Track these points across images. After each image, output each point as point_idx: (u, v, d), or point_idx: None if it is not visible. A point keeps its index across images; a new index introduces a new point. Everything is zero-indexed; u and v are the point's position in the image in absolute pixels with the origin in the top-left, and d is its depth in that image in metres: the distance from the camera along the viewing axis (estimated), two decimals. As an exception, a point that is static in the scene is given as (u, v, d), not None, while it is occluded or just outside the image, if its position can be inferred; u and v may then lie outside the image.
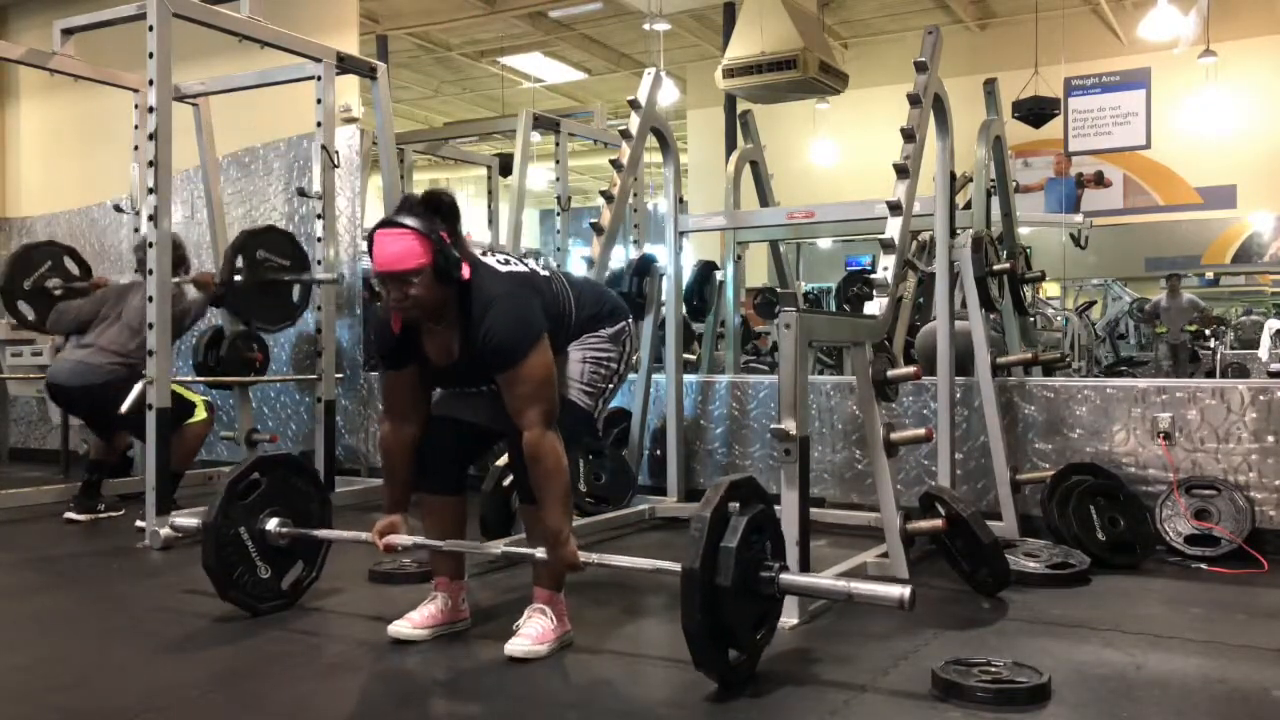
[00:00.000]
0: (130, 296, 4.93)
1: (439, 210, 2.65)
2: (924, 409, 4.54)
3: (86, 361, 4.78)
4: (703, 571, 2.37)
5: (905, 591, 2.42)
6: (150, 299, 4.32)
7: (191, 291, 5.04)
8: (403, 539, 2.91)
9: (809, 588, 2.68)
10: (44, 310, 5.44)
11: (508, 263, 2.83)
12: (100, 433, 5.04)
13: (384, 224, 2.64)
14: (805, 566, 3.04)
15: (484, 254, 2.82)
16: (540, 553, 2.74)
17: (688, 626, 2.38)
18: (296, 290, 5.39)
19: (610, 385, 2.97)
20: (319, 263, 5.37)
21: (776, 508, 2.74)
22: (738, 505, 2.51)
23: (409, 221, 2.61)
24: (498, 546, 2.99)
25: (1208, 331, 10.42)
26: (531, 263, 2.95)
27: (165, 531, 4.16)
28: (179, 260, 4.92)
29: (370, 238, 2.66)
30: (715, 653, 2.42)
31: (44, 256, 5.63)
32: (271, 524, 3.12)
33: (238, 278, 5.05)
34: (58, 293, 5.49)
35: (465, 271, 2.66)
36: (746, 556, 2.45)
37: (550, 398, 2.69)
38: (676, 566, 2.42)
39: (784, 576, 2.53)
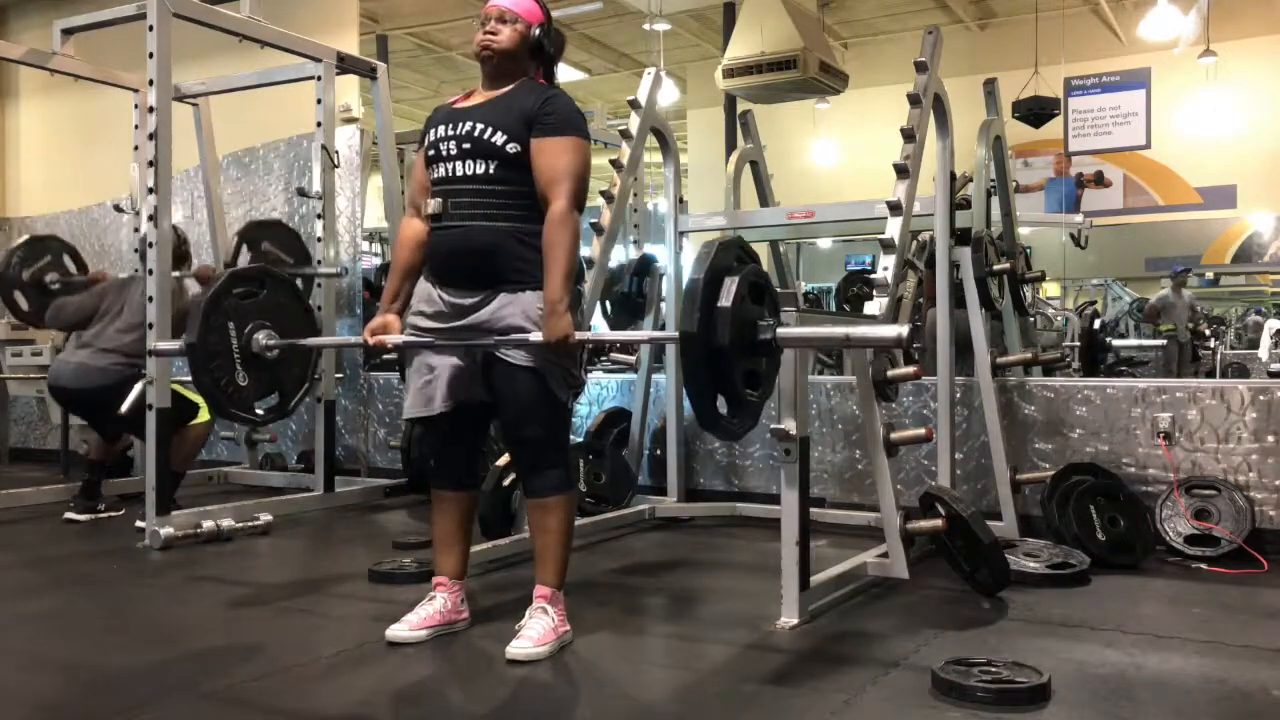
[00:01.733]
0: (130, 291, 4.91)
1: (556, 42, 2.93)
2: (924, 409, 4.54)
3: (88, 363, 4.76)
4: (707, 285, 2.45)
5: (903, 330, 2.45)
6: (150, 298, 4.32)
7: (194, 286, 5.00)
8: (393, 338, 2.90)
9: (807, 336, 2.75)
10: (38, 303, 5.41)
11: None
12: (102, 432, 5.03)
13: None
14: (805, 567, 3.04)
15: None
16: (536, 336, 2.72)
17: (685, 333, 2.46)
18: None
19: (581, 367, 3.00)
20: (319, 262, 5.38)
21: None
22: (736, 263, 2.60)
23: None
24: (490, 339, 2.80)
25: (1207, 331, 10.42)
26: None
27: (166, 531, 4.16)
28: (182, 256, 4.90)
29: None
30: (708, 380, 2.51)
31: (46, 251, 5.61)
32: (260, 335, 3.13)
33: (242, 263, 5.02)
34: (55, 287, 5.47)
35: (541, 74, 2.90)
36: (744, 307, 2.52)
37: (585, 184, 2.80)
38: (674, 334, 2.49)
39: (781, 329, 2.59)
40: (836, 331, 2.61)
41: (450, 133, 2.84)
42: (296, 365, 3.28)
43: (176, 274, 4.66)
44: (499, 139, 2.77)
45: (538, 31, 2.86)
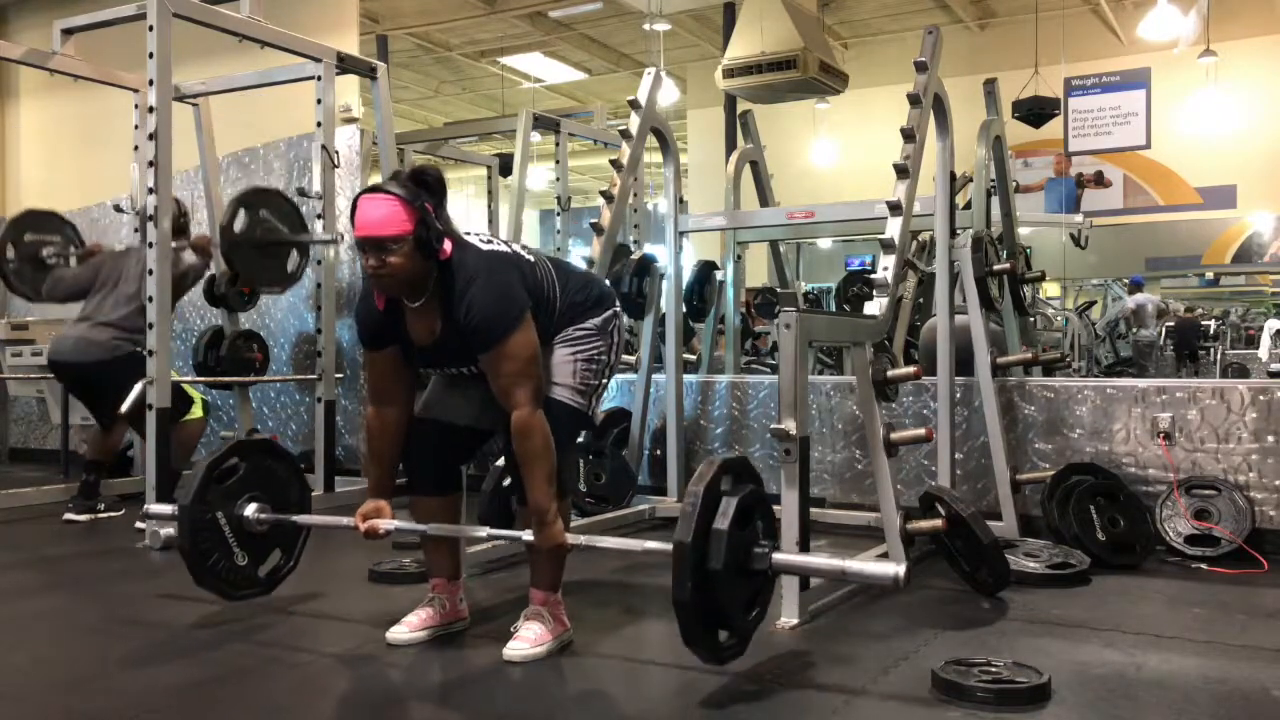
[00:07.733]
0: (127, 262, 4.87)
1: (426, 185, 2.63)
2: (924, 409, 4.54)
3: (88, 337, 4.74)
4: (694, 548, 2.34)
5: (900, 569, 2.38)
6: (150, 298, 4.32)
7: (190, 256, 4.92)
8: (386, 523, 2.87)
9: (802, 566, 2.67)
10: (31, 277, 5.37)
11: (490, 242, 2.81)
12: (101, 417, 4.95)
13: (369, 190, 2.65)
14: (805, 566, 3.04)
15: (467, 234, 2.80)
16: (528, 534, 2.71)
17: (678, 600, 2.34)
18: (293, 259, 5.25)
19: (603, 380, 2.95)
20: (319, 263, 5.37)
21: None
22: (730, 482, 2.50)
23: (394, 189, 2.60)
24: (483, 530, 2.94)
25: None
26: (515, 246, 2.89)
27: (165, 532, 4.16)
28: (180, 228, 4.85)
29: (354, 202, 2.65)
30: (704, 630, 2.40)
31: (48, 227, 5.55)
32: (250, 509, 3.06)
33: (238, 229, 4.92)
34: (51, 261, 5.41)
35: (447, 248, 2.64)
36: (739, 535, 2.43)
37: (537, 375, 2.67)
38: (667, 547, 2.39)
39: (777, 555, 2.51)
40: (833, 565, 2.52)
41: (434, 367, 2.87)
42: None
43: (175, 244, 4.59)
44: (474, 367, 2.73)
45: (423, 232, 2.58)
